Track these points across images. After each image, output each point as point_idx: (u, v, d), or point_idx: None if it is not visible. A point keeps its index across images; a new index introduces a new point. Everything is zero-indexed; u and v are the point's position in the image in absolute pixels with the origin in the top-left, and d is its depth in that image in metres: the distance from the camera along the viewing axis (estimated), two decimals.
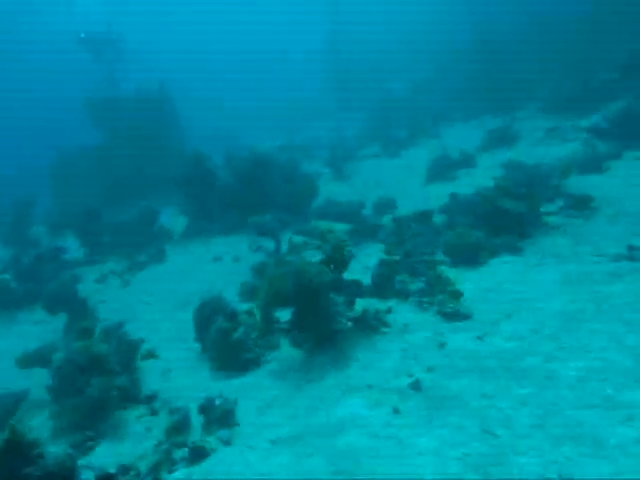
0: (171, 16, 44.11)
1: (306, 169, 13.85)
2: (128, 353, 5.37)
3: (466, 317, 5.07)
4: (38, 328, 7.52)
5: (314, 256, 6.84)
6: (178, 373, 5.52)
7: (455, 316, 5.12)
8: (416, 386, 4.13)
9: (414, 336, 4.98)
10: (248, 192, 11.34)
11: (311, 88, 25.84)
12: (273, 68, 29.20)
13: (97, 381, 4.62)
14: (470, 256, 6.22)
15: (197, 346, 5.93)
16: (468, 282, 5.83)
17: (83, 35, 17.97)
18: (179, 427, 4.23)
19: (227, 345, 5.36)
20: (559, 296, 5.14)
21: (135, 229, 11.13)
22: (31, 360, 5.47)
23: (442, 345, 4.70)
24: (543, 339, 4.40)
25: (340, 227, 9.35)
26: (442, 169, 11.49)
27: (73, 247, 11.28)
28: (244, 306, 6.84)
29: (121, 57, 18.68)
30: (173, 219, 12.37)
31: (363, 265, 7.03)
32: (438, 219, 7.95)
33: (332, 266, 5.50)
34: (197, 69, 37.67)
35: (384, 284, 6.03)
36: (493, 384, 3.92)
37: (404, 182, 11.81)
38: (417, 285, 5.96)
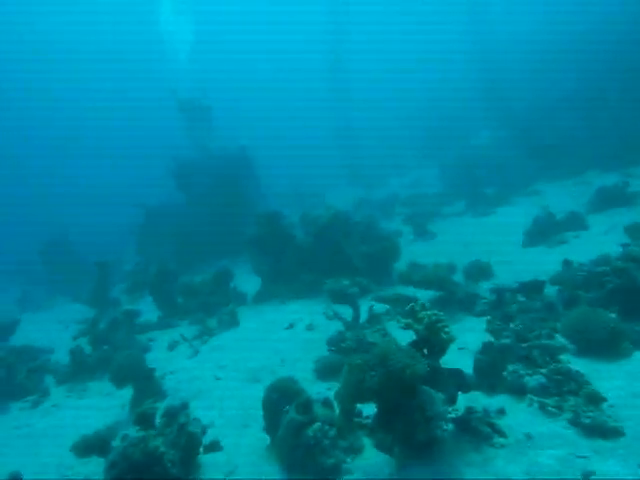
0: (254, 76, 46.56)
1: (385, 227, 13.08)
2: (189, 446, 4.65)
3: (616, 433, 3.80)
4: (106, 402, 7.07)
5: (398, 328, 5.90)
6: (243, 474, 4.67)
7: (598, 431, 3.86)
8: None
9: (543, 455, 3.79)
10: (324, 252, 10.73)
11: (389, 143, 25.54)
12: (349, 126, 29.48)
13: None
14: (605, 344, 4.90)
15: (265, 437, 5.10)
16: (607, 380, 4.53)
17: (179, 102, 18.64)
18: None
19: (300, 444, 4.47)
20: None
21: (208, 290, 10.81)
22: (89, 447, 4.92)
23: (587, 475, 3.47)
24: None
25: (427, 295, 8.31)
26: (544, 231, 10.11)
27: (149, 308, 11.15)
28: (319, 386, 6.02)
29: (211, 119, 19.17)
30: (247, 278, 11.97)
31: (457, 344, 5.92)
32: (550, 291, 6.67)
33: (425, 350, 4.55)
34: (276, 126, 39.12)
35: (492, 375, 4.89)
36: None
37: (498, 244, 10.50)
38: (536, 379, 4.74)
